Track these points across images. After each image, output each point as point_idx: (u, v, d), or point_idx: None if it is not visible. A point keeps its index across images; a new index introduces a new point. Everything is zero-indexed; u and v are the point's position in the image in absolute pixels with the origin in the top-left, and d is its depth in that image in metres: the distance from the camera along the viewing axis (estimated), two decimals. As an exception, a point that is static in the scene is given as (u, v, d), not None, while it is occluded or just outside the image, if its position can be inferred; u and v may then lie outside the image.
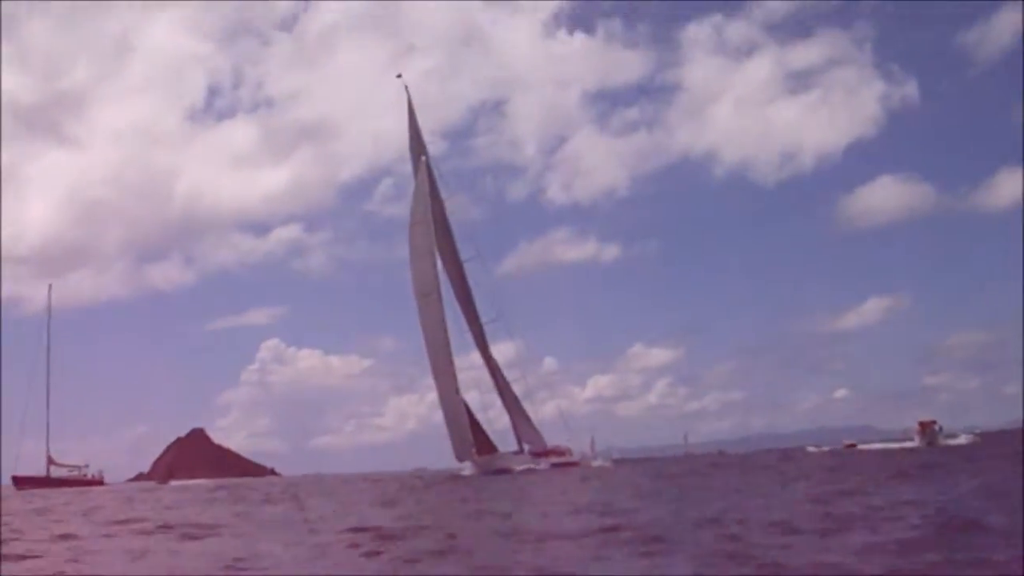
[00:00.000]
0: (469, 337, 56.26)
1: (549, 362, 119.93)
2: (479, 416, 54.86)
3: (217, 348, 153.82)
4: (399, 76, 59.68)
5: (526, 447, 55.03)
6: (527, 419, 57.35)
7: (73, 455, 70.21)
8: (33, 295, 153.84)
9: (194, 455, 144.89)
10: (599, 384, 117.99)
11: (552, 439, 56.95)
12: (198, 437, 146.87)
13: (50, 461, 66.72)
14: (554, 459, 53.22)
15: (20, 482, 61.86)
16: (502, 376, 57.02)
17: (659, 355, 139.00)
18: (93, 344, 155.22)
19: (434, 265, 54.41)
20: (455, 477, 44.44)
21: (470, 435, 51.51)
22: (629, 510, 13.55)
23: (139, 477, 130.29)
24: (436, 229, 56.23)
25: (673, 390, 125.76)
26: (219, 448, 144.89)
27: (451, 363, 52.81)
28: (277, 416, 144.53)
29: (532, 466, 50.28)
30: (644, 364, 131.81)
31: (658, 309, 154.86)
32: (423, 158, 56.95)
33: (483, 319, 56.69)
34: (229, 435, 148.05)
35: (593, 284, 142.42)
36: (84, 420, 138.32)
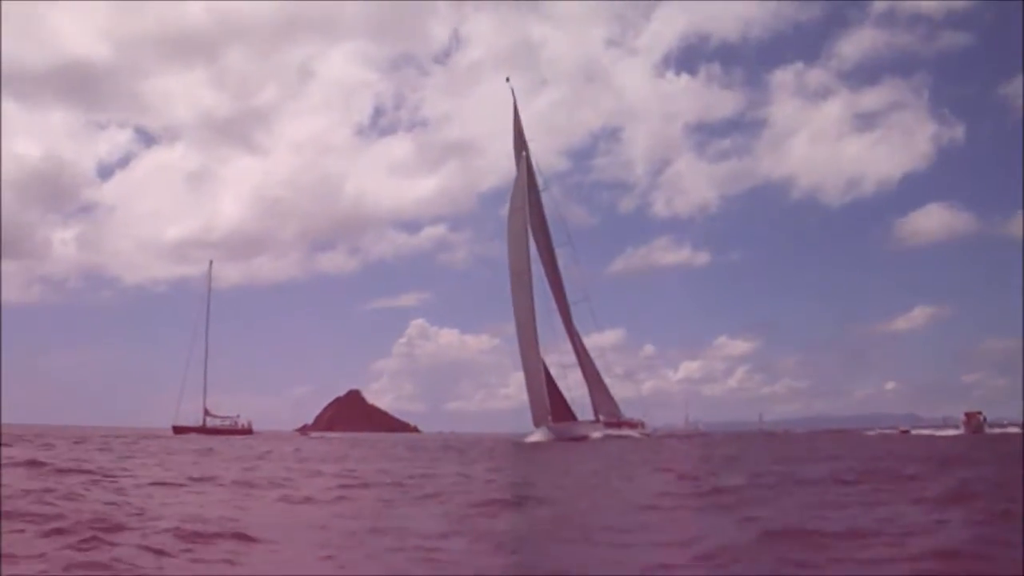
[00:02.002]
0: (557, 317, 62.31)
1: (648, 348, 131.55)
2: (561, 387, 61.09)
3: (373, 324, 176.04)
4: (507, 80, 65.89)
5: (601, 417, 60.49)
6: (606, 392, 62.70)
7: (247, 409, 78.13)
8: (222, 275, 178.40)
9: (350, 412, 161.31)
10: (689, 368, 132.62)
11: (645, 414, 62.45)
12: (354, 397, 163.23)
13: (206, 412, 73.35)
14: (626, 430, 58.42)
15: (178, 430, 66.58)
16: (585, 352, 62.68)
17: (740, 346, 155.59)
18: (270, 317, 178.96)
19: (527, 249, 60.68)
20: (527, 444, 43.69)
21: (547, 402, 57.28)
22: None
23: (304, 428, 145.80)
24: (532, 217, 62.68)
25: (750, 376, 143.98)
26: (371, 407, 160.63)
27: (535, 336, 58.78)
28: (420, 383, 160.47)
29: (609, 433, 55.16)
30: (727, 353, 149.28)
31: (740, 307, 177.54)
32: (524, 153, 63.31)
33: (570, 300, 62.77)
34: (379, 396, 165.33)
35: (687, 285, 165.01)
36: (260, 379, 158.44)
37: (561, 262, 63.64)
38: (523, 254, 60.18)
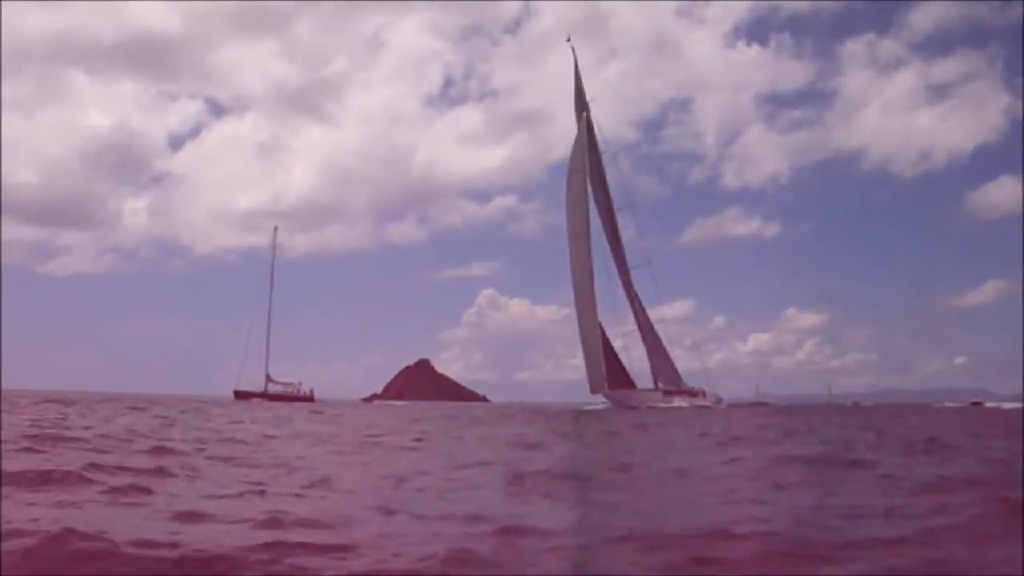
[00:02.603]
0: (617, 280, 60.71)
1: (718, 320, 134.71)
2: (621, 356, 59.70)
3: (443, 294, 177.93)
4: (568, 39, 64.12)
5: (661, 385, 58.83)
6: (667, 360, 60.90)
7: (318, 377, 78.09)
8: (293, 245, 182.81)
9: (420, 381, 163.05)
10: (759, 340, 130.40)
11: (708, 383, 60.53)
12: (424, 366, 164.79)
13: (268, 379, 73.07)
14: (687, 399, 56.64)
15: (239, 395, 66.68)
16: (646, 318, 60.96)
17: (809, 318, 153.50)
18: (341, 287, 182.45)
19: (586, 211, 59.37)
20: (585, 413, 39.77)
21: (604, 369, 56.14)
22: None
23: (372, 397, 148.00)
24: (593, 179, 61.08)
25: (819, 349, 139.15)
26: (441, 376, 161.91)
27: (593, 302, 57.65)
28: (489, 353, 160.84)
29: (666, 404, 53.48)
30: (796, 325, 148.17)
31: (810, 279, 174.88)
32: (584, 114, 61.63)
33: (631, 264, 61.02)
34: (448, 366, 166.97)
35: (757, 256, 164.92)
36: (331, 347, 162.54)
37: (622, 226, 61.91)
38: (582, 217, 58.95)
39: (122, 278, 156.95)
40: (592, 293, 57.69)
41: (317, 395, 75.40)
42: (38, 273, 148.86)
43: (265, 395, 70.28)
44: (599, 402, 55.70)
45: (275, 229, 79.30)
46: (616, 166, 61.81)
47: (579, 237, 58.48)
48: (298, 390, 74.37)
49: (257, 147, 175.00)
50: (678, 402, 54.55)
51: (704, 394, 58.60)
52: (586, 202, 59.24)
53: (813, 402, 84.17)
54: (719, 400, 59.97)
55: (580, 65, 62.06)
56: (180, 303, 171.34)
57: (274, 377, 74.51)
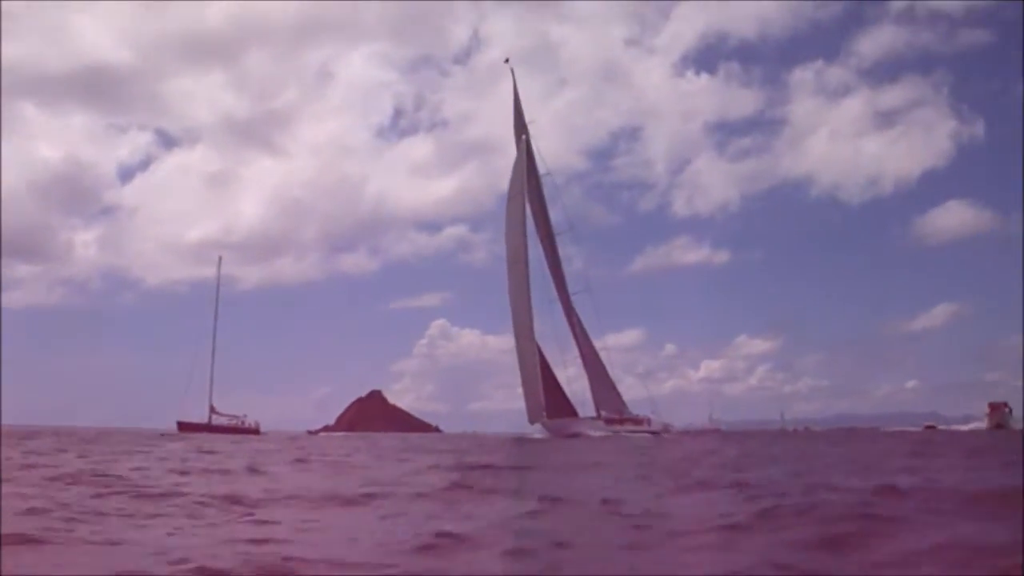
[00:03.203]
0: (558, 306, 59.19)
1: (669, 347, 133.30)
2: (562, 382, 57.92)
3: (395, 325, 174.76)
4: (507, 61, 63.25)
5: (603, 414, 57.07)
6: (610, 387, 59.28)
7: (268, 409, 75.47)
8: (243, 276, 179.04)
9: (372, 412, 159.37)
10: (710, 367, 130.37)
11: (654, 411, 58.95)
12: (376, 397, 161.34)
13: (212, 411, 70.91)
14: (630, 427, 54.91)
15: (183, 427, 64.48)
16: (589, 345, 59.41)
17: (760, 345, 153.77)
18: (291, 318, 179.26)
19: (524, 235, 57.84)
20: (523, 440, 40.98)
21: (542, 398, 54.21)
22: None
23: (323, 429, 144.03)
24: (532, 203, 59.76)
25: (771, 374, 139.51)
26: (393, 407, 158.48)
27: (531, 327, 55.93)
28: (441, 383, 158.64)
29: (602, 433, 51.52)
30: (747, 352, 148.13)
31: (760, 306, 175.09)
32: (524, 137, 60.49)
33: (571, 291, 59.58)
34: (401, 397, 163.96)
35: (707, 283, 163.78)
36: (279, 380, 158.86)
37: (567, 257, 60.57)
38: (520, 241, 57.50)
39: (73, 310, 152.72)
40: (530, 319, 56.12)
41: (266, 427, 73.15)
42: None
43: (208, 427, 67.95)
44: (538, 431, 53.66)
45: (219, 259, 76.57)
46: (557, 189, 60.09)
47: (517, 262, 56.99)
48: (243, 422, 71.81)
49: (207, 178, 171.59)
50: (622, 430, 52.81)
51: (649, 422, 57.01)
52: (524, 226, 57.82)
53: (765, 428, 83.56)
54: (667, 428, 58.45)
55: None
56: (130, 335, 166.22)
57: (218, 409, 72.17)
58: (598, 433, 50.35)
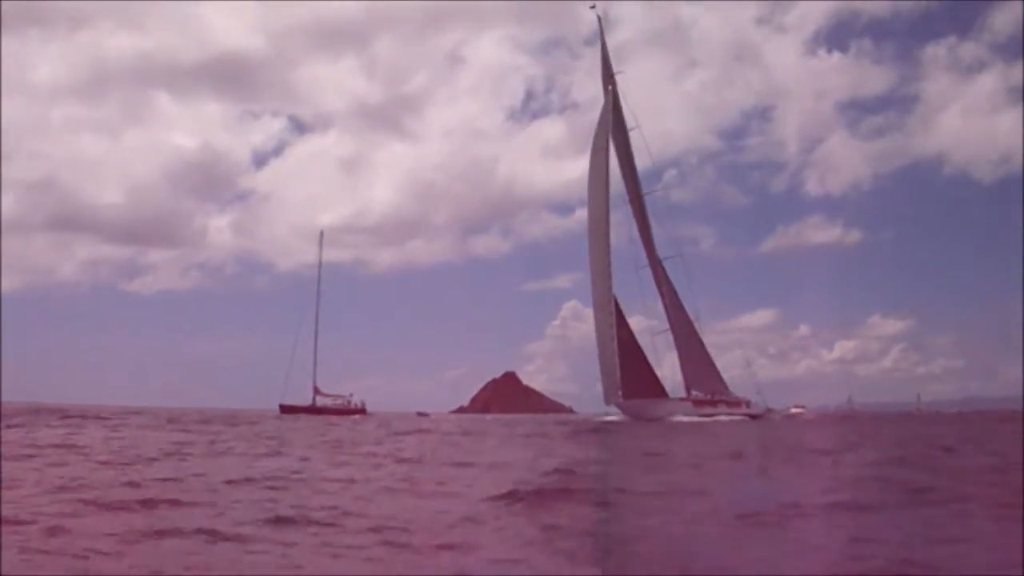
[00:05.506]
0: (647, 273, 53.00)
1: (802, 328, 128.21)
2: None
3: (527, 306, 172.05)
4: (593, 7, 57.08)
5: (694, 394, 50.39)
6: (708, 365, 52.35)
7: (402, 391, 71.50)
8: (377, 259, 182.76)
9: (506, 393, 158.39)
10: (844, 348, 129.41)
11: (758, 392, 51.77)
12: (509, 378, 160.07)
13: (316, 391, 68.27)
14: (723, 410, 48.05)
15: (285, 409, 61.91)
16: (681, 315, 52.71)
17: (894, 325, 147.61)
18: (425, 300, 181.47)
19: (607, 194, 52.24)
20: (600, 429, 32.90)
21: (618, 375, 48.42)
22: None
23: (459, 410, 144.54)
24: (619, 157, 53.96)
25: (905, 355, 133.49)
26: (526, 388, 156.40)
27: (610, 298, 50.30)
28: (573, 364, 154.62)
29: (689, 417, 44.89)
30: (881, 332, 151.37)
31: (893, 286, 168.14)
32: (610, 87, 54.68)
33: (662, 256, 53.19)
34: (533, 378, 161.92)
35: (839, 263, 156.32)
36: (413, 361, 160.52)
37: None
38: (602, 200, 52.10)
39: (207, 294, 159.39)
40: (609, 288, 50.59)
41: (387, 408, 71.71)
42: (124, 291, 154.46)
43: (312, 408, 65.86)
44: (615, 413, 48.25)
45: (321, 232, 74.83)
46: (642, 137, 52.95)
47: (599, 221, 51.48)
48: (348, 402, 69.23)
49: (340, 163, 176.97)
50: (717, 414, 46.09)
51: (748, 403, 49.86)
52: (607, 185, 52.20)
53: (900, 411, 78.29)
54: (769, 411, 51.07)
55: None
56: (262, 318, 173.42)
57: (322, 390, 69.59)
58: (683, 418, 44.01)
